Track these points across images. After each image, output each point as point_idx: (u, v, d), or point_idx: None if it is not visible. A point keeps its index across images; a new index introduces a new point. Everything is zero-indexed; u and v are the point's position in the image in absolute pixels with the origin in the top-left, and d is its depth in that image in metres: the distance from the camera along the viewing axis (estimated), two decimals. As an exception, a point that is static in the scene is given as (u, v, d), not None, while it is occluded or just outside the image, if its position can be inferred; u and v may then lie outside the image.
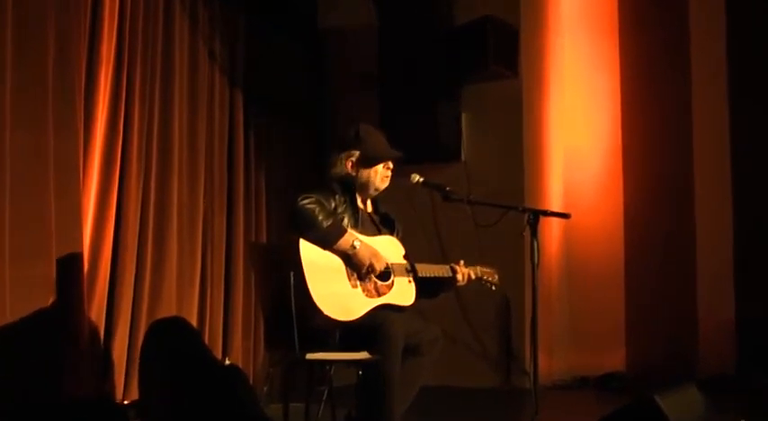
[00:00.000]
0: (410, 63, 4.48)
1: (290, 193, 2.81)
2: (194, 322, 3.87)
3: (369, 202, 3.05)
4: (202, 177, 4.01)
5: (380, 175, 2.93)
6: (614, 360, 4.62)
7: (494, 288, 3.15)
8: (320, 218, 2.69)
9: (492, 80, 4.48)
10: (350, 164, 2.93)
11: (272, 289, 2.82)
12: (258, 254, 3.12)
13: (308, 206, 2.69)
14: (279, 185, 4.47)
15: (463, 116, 4.58)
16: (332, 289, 2.71)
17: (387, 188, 3.02)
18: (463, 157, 4.55)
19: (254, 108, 4.38)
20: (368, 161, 2.91)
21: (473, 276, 3.04)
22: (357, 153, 2.92)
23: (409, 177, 3.07)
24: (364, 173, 2.92)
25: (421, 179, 3.06)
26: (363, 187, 2.94)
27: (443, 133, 4.49)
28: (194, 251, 3.94)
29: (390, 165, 2.94)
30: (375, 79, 4.62)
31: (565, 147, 4.79)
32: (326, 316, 2.65)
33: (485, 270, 3.14)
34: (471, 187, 4.21)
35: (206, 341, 3.89)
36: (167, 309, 3.71)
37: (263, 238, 4.35)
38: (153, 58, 3.74)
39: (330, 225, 2.72)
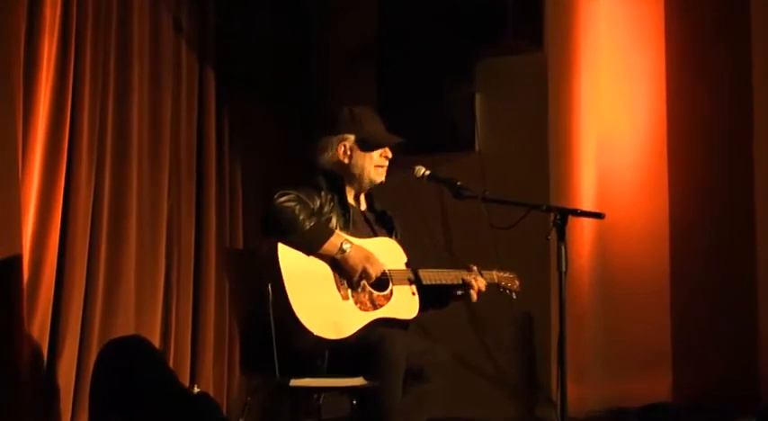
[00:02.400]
0: (413, 34, 4.47)
1: (271, 189, 2.80)
2: (157, 342, 3.86)
3: (362, 199, 3.05)
4: (166, 169, 4.01)
5: (375, 164, 2.92)
6: (659, 388, 4.60)
7: (514, 296, 3.17)
8: (301, 217, 2.70)
9: (511, 54, 4.46)
10: (342, 149, 2.94)
11: (250, 302, 2.81)
12: (233, 260, 3.14)
13: (286, 204, 2.69)
14: (258, 179, 4.47)
15: (477, 97, 4.56)
16: (318, 301, 2.71)
17: (383, 183, 3.02)
18: (477, 146, 4.54)
19: (228, 89, 4.38)
20: (363, 146, 2.92)
21: (483, 287, 3.03)
22: (351, 137, 2.93)
23: (413, 170, 3.07)
24: (358, 161, 2.93)
25: (427, 172, 3.06)
26: (355, 179, 2.95)
27: (453, 117, 4.49)
28: (157, 256, 3.94)
29: (389, 153, 2.95)
30: (372, 54, 4.60)
31: (598, 134, 4.76)
32: (313, 334, 2.66)
33: (503, 275, 3.13)
34: (487, 182, 4.18)
35: (171, 364, 3.88)
36: (124, 326, 3.71)
37: (240, 243, 4.35)
38: (107, 27, 3.73)
39: (314, 225, 2.72)
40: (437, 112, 4.47)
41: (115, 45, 3.78)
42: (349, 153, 2.93)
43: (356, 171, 2.93)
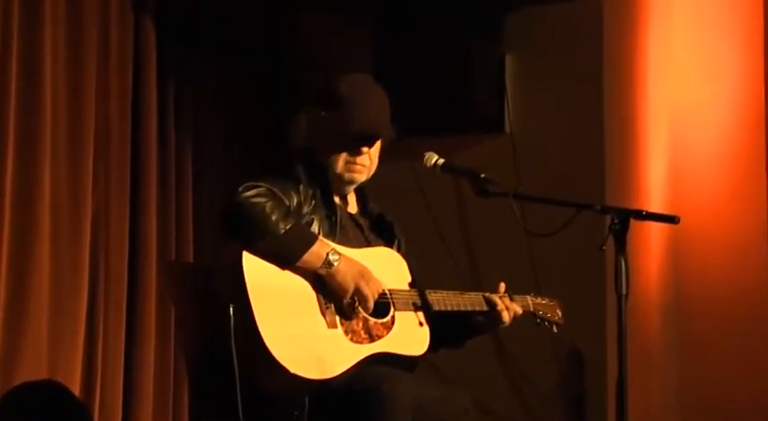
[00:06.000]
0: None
1: (233, 180, 2.84)
2: (76, 388, 3.88)
3: (352, 198, 3.09)
4: (91, 152, 4.02)
5: (344, 160, 2.95)
6: (755, 448, 4.62)
7: (555, 329, 3.20)
8: (274, 218, 2.72)
9: (554, 1, 4.49)
10: (310, 128, 2.99)
11: (203, 331, 2.84)
12: (180, 278, 3.14)
13: (254, 200, 2.72)
14: (215, 168, 4.51)
15: (507, 60, 4.60)
16: (296, 329, 2.74)
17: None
18: (507, 127, 4.58)
19: (174, 48, 4.41)
20: (332, 133, 2.94)
21: (519, 310, 3.07)
22: (321, 113, 2.96)
23: (422, 158, 3.10)
24: (325, 147, 2.96)
25: (440, 161, 3.09)
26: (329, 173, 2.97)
27: (476, 88, 4.52)
28: (78, 272, 3.95)
29: (363, 151, 2.96)
30: (371, 4, 4.65)
31: (672, 111, 4.78)
32: (289, 372, 2.68)
33: (539, 301, 3.18)
34: (521, 174, 4.23)
35: (96, 417, 3.91)
36: (33, 368, 3.73)
37: (189, 253, 4.39)
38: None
39: (290, 229, 2.74)
40: (454, 81, 4.50)
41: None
42: (315, 136, 2.97)
43: (322, 160, 2.96)
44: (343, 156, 2.95)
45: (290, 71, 4.79)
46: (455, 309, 3.00)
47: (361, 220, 3.07)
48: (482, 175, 3.03)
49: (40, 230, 3.81)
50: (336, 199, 3.00)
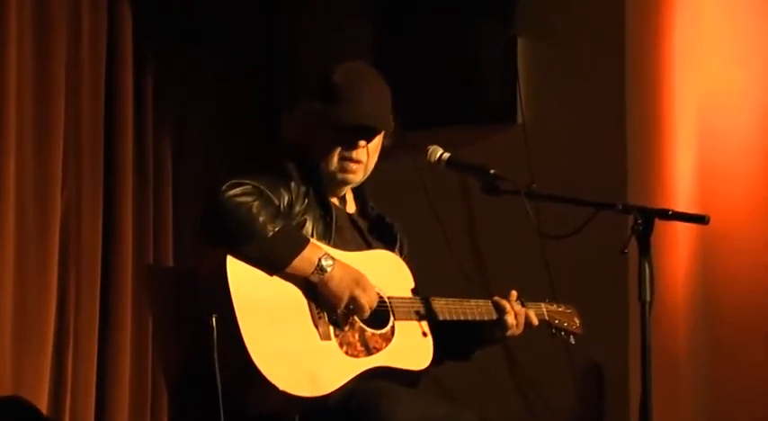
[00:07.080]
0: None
1: (216, 178, 2.82)
2: (44, 405, 3.88)
3: (350, 196, 3.08)
4: (60, 147, 4.03)
5: (338, 156, 2.93)
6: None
7: (572, 339, 3.19)
8: (261, 219, 2.71)
9: (569, -21, 4.51)
10: (305, 121, 2.96)
11: (184, 343, 2.84)
12: (159, 283, 3.13)
13: (240, 200, 2.71)
14: (197, 165, 4.53)
15: (519, 44, 4.59)
16: (286, 342, 2.73)
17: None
18: (520, 117, 4.58)
19: (153, 35, 4.42)
20: (327, 127, 2.92)
21: (535, 320, 3.07)
22: (317, 105, 2.94)
23: (425, 152, 3.10)
24: (320, 146, 2.94)
25: (446, 155, 3.09)
26: (317, 169, 2.95)
27: (484, 74, 4.52)
28: (45, 279, 3.96)
29: (359, 146, 2.94)
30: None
31: (700, 100, 4.77)
32: (278, 390, 2.67)
33: (554, 308, 3.18)
34: (535, 169, 4.22)
35: (66, 438, 3.91)
36: (-3, 383, 3.74)
37: (169, 257, 4.40)
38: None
39: (279, 231, 2.73)
40: (460, 67, 4.50)
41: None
42: (309, 131, 2.95)
43: (315, 157, 2.94)
44: (338, 152, 2.93)
45: (294, 65, 4.78)
46: (462, 317, 3.00)
47: (360, 221, 3.07)
48: (491, 171, 3.03)
49: (4, 232, 3.82)
50: (334, 199, 3.00)
